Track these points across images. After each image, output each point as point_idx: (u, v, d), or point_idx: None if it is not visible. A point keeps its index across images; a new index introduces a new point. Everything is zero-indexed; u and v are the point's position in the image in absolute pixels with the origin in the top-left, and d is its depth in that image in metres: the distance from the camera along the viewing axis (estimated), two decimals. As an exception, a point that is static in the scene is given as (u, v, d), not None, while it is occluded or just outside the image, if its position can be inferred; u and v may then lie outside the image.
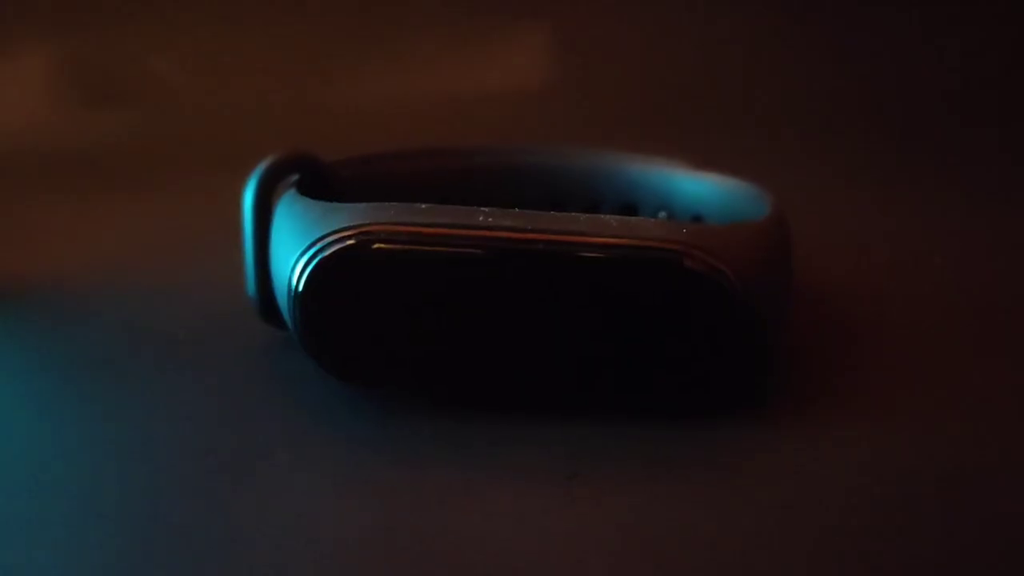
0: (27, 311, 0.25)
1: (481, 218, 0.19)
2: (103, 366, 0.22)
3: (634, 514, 0.17)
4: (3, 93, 0.44)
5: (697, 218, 0.25)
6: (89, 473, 0.18)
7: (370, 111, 0.44)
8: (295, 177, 0.22)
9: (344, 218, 0.19)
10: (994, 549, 0.16)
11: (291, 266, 0.19)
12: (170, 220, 0.32)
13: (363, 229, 0.19)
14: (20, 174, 0.38)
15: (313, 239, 0.19)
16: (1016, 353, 0.23)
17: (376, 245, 0.18)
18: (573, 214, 0.19)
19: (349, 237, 0.19)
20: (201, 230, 0.30)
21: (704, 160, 0.25)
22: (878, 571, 0.15)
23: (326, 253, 0.19)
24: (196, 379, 0.21)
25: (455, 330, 0.19)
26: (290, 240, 0.20)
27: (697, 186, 0.25)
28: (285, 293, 0.19)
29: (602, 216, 0.19)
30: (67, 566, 0.15)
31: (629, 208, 0.25)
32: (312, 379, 0.21)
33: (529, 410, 0.19)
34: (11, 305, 0.25)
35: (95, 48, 0.46)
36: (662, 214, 0.25)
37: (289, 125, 0.42)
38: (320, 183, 0.23)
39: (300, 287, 0.19)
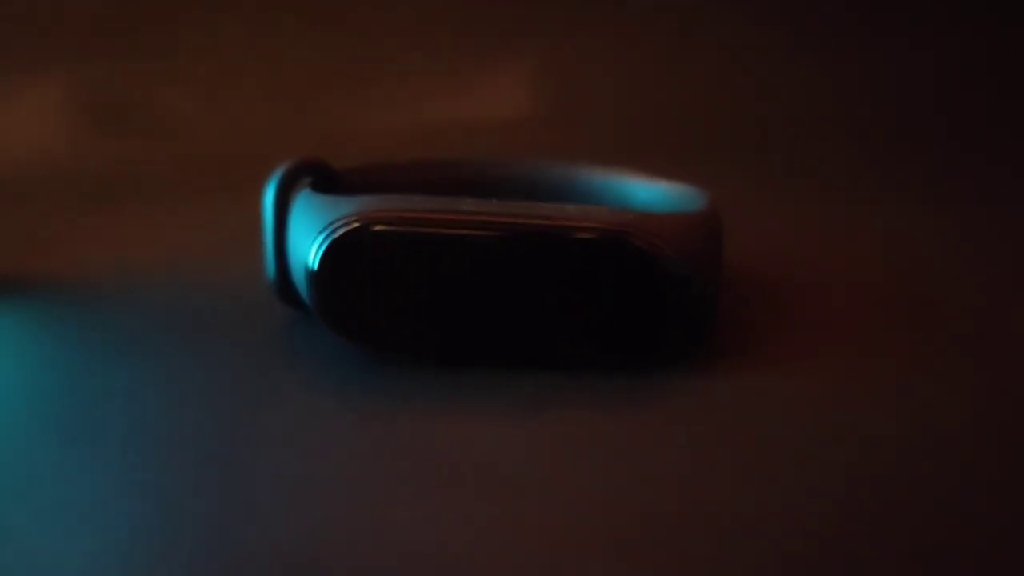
0: (72, 302, 0.28)
1: (464, 206, 0.23)
2: (144, 340, 0.25)
3: (589, 436, 0.20)
4: (24, 121, 0.48)
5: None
6: (139, 414, 0.21)
7: (368, 138, 0.48)
8: (309, 180, 0.26)
9: (351, 206, 0.23)
10: (885, 477, 0.20)
11: (308, 248, 0.23)
12: (187, 228, 0.36)
13: (366, 215, 0.23)
14: (47, 192, 0.42)
15: (325, 223, 0.23)
16: (920, 324, 0.27)
17: (376, 227, 0.23)
18: (540, 203, 0.23)
19: (355, 221, 0.23)
20: (216, 236, 0.34)
21: (656, 170, 0.30)
22: (781, 482, 0.19)
23: (336, 235, 0.23)
24: (225, 344, 0.25)
25: (442, 298, 0.23)
26: (306, 228, 0.24)
27: (648, 191, 0.29)
28: (302, 272, 0.23)
29: (564, 205, 0.23)
30: (122, 474, 0.19)
31: (592, 210, 0.30)
32: (324, 344, 0.25)
33: (504, 363, 0.23)
34: (57, 298, 0.29)
35: (110, 78, 0.50)
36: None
37: (294, 149, 0.46)
38: (330, 185, 0.27)
39: (315, 265, 0.23)
